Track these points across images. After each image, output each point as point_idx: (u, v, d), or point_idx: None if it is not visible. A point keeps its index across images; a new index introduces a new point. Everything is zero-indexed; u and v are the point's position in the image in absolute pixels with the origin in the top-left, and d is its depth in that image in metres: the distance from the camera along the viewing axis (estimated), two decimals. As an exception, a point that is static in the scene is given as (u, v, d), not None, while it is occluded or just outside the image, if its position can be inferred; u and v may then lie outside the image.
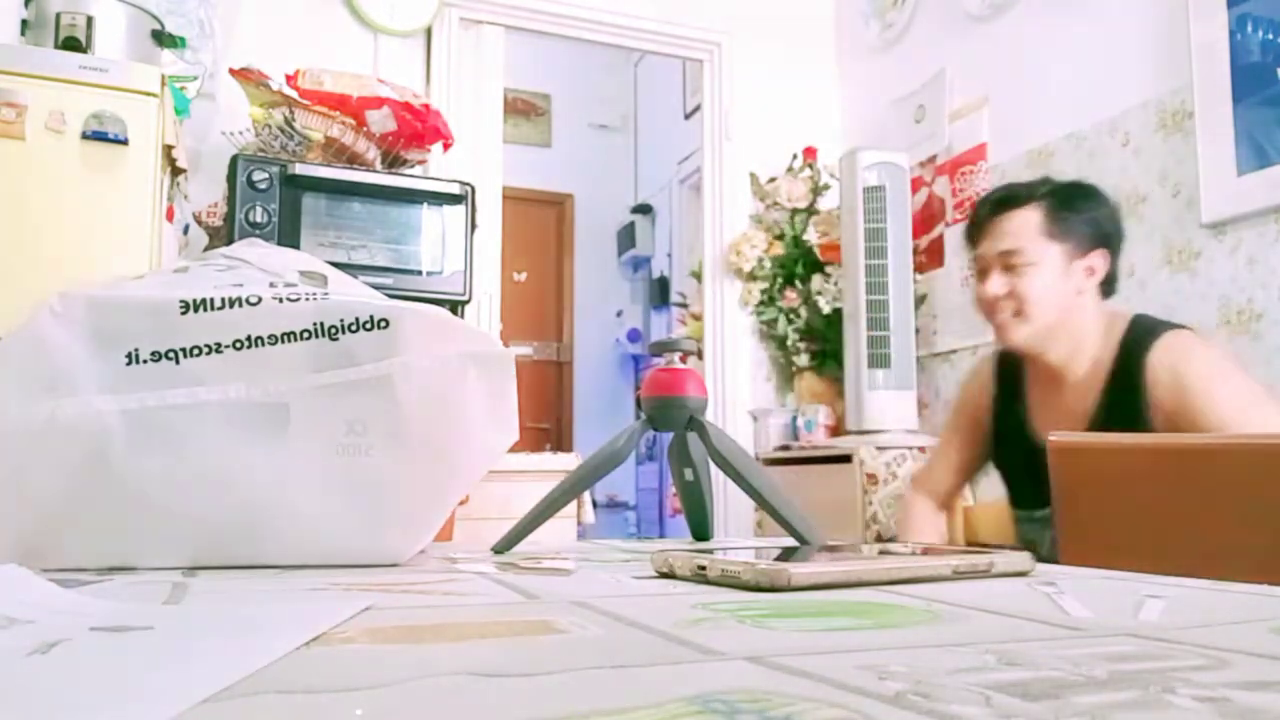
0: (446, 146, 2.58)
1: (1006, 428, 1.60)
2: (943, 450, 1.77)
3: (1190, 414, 1.33)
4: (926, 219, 3.10)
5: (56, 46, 1.90)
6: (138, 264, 1.83)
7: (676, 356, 0.75)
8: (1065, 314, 1.48)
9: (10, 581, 0.37)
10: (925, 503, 1.75)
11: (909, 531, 1.78)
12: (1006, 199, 1.53)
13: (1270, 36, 2.08)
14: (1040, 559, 0.55)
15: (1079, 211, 1.50)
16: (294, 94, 2.35)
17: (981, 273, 1.54)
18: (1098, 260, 1.49)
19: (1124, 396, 1.40)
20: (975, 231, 1.57)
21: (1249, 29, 2.12)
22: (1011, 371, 1.61)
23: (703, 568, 0.46)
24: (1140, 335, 1.43)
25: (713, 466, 0.75)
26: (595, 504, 2.30)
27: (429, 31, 3.04)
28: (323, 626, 0.32)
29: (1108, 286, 1.52)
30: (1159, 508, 0.84)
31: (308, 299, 0.53)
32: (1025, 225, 1.49)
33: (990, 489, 2.13)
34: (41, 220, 1.79)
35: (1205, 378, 1.36)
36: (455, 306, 2.42)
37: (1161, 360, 1.38)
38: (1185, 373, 1.36)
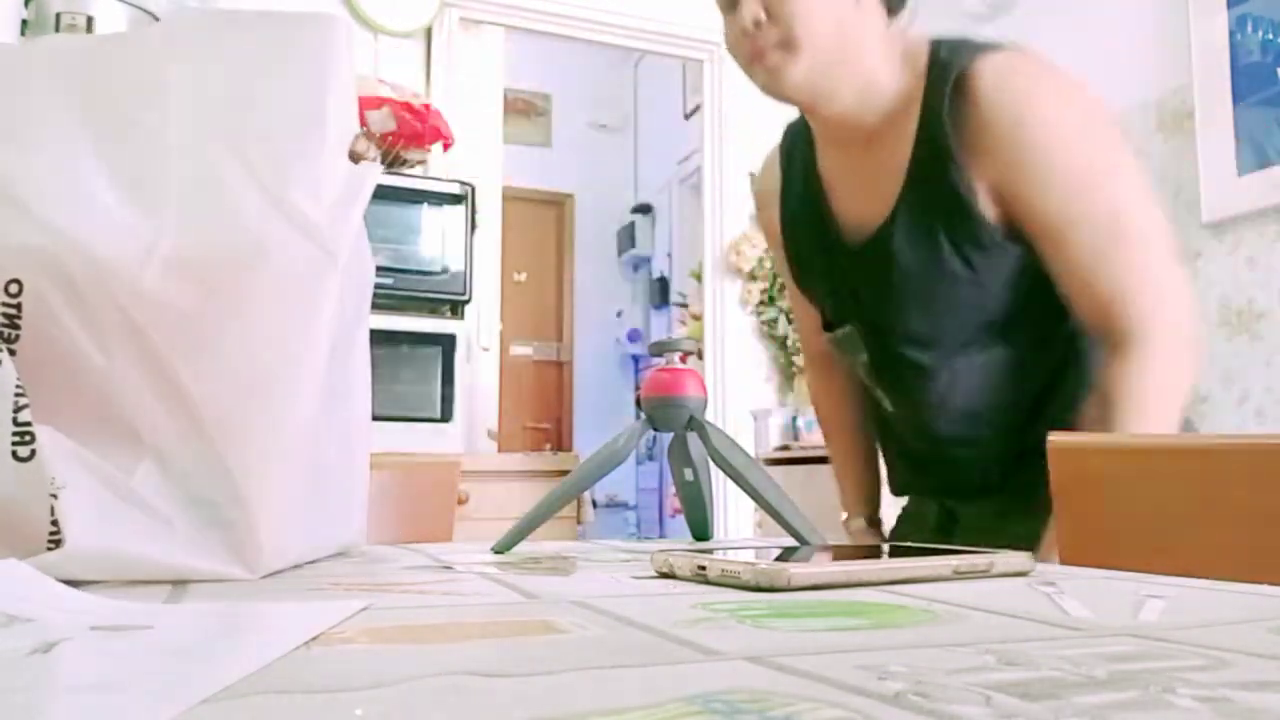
0: (446, 146, 2.58)
1: (803, 222, 1.15)
2: (792, 304, 1.31)
3: (1024, 172, 0.93)
4: (926, 219, 3.10)
5: (56, 46, 1.90)
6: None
7: (676, 356, 0.75)
8: (844, 39, 1.02)
9: (11, 578, 0.37)
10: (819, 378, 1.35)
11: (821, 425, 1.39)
12: None
13: (1270, 36, 2.08)
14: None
15: None
16: (294, 94, 2.35)
17: (729, 5, 1.05)
18: None
19: (939, 145, 0.97)
20: None
21: (1249, 29, 2.12)
22: (799, 146, 1.16)
23: (703, 568, 0.46)
24: (951, 58, 0.99)
25: (713, 466, 0.75)
26: (595, 504, 2.30)
27: (429, 31, 3.04)
28: (323, 626, 0.32)
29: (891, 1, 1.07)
30: (1159, 508, 0.84)
31: None
32: None
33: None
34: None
35: (1052, 124, 0.94)
36: (455, 306, 2.42)
37: (987, 88, 0.94)
38: (1023, 110, 0.93)
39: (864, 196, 1.05)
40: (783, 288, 3.24)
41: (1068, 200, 0.93)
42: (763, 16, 1.01)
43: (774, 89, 1.04)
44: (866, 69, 1.04)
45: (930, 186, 0.98)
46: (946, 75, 0.98)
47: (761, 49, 1.02)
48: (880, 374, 1.12)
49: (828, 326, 1.16)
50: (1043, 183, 0.93)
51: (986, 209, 0.96)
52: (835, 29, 1.02)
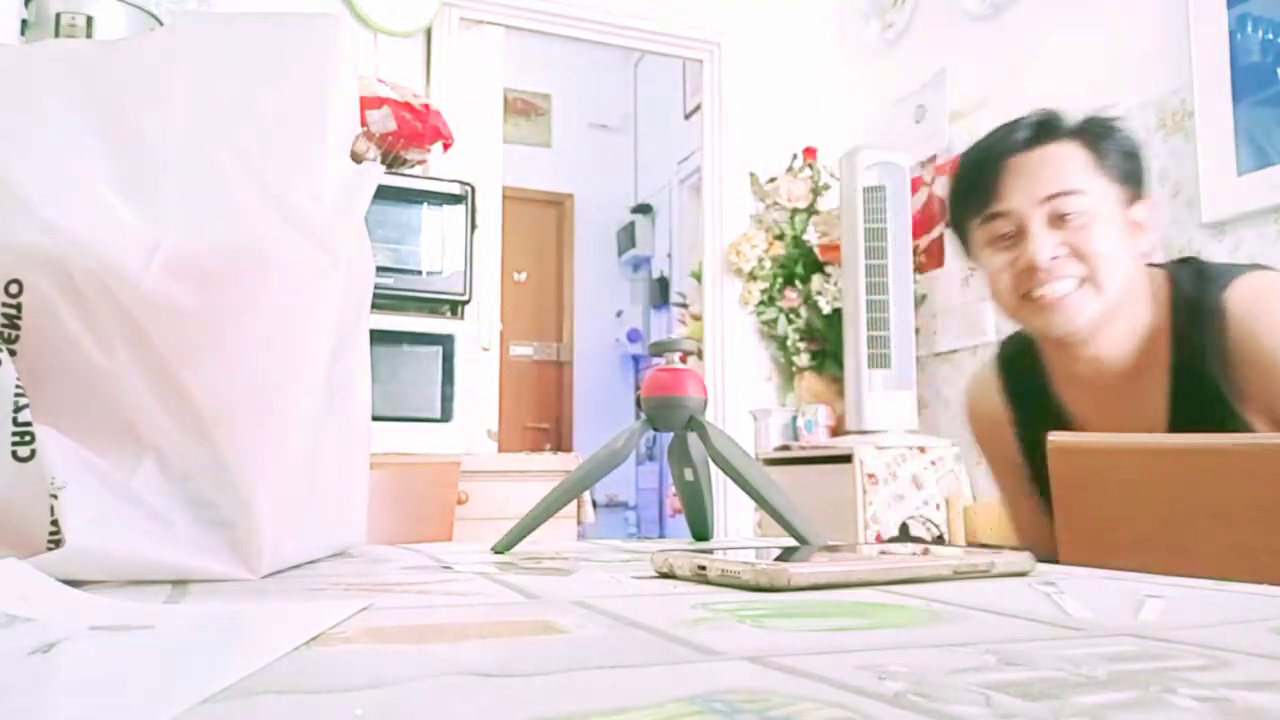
0: (446, 146, 2.58)
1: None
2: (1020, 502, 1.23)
3: None
4: (926, 219, 3.09)
5: (56, 46, 1.90)
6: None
7: (676, 356, 0.75)
8: (1132, 282, 1.02)
9: (11, 578, 0.37)
10: None
11: None
12: (1041, 127, 1.05)
13: (1270, 36, 2.08)
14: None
15: (1119, 145, 1.05)
16: (294, 94, 2.35)
17: (1013, 235, 1.03)
18: (1143, 212, 1.05)
19: (1200, 379, 0.97)
20: (988, 177, 1.05)
21: (1249, 29, 2.12)
22: (1020, 377, 1.15)
23: (703, 568, 0.46)
24: (1197, 287, 0.99)
25: (713, 466, 0.75)
26: (595, 504, 2.30)
27: (429, 31, 3.04)
28: (322, 626, 0.32)
29: None
30: (1159, 508, 0.84)
31: None
32: (1071, 161, 1.02)
33: (990, 489, 2.12)
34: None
35: None
36: (455, 306, 2.42)
37: (1242, 311, 0.95)
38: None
39: (1121, 424, 1.03)
40: (782, 287, 3.25)
41: None
42: (1060, 252, 1.00)
43: (1059, 325, 1.02)
44: (1133, 313, 1.02)
45: (1200, 400, 0.97)
46: (1204, 300, 0.98)
47: (1053, 281, 1.00)
48: None
49: None
50: None
51: (1253, 414, 0.96)
52: (1127, 276, 1.01)
